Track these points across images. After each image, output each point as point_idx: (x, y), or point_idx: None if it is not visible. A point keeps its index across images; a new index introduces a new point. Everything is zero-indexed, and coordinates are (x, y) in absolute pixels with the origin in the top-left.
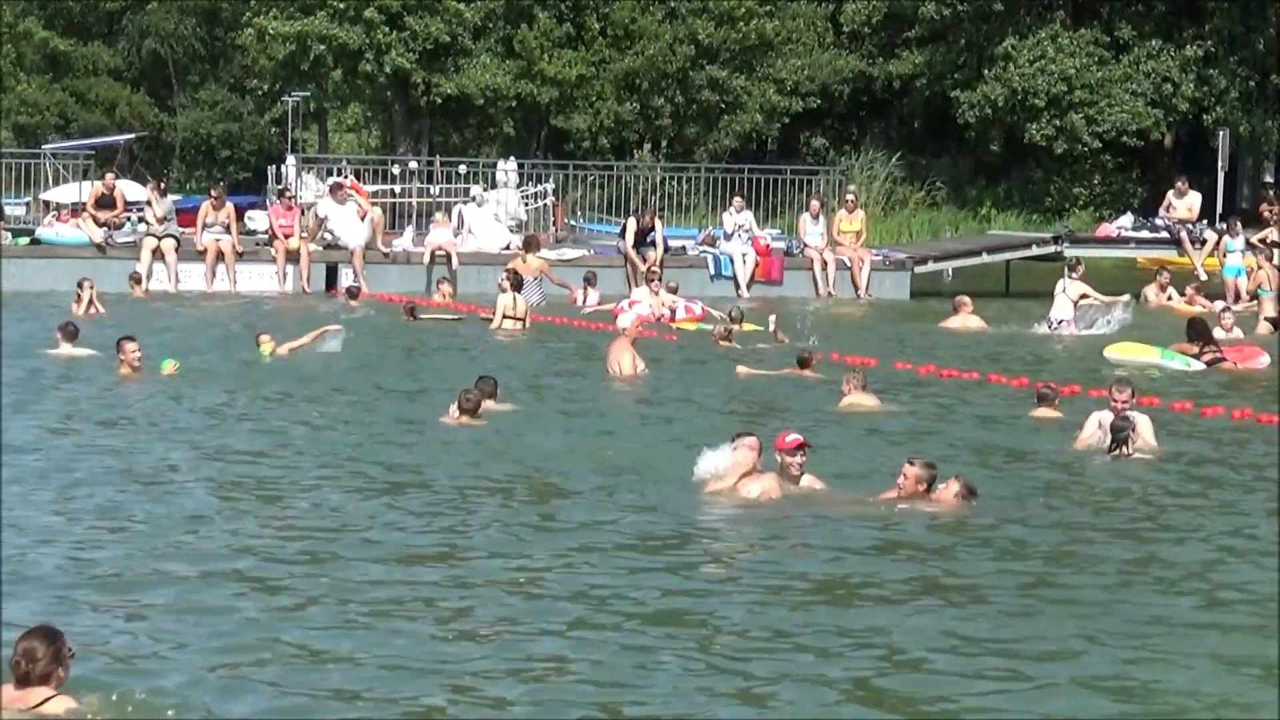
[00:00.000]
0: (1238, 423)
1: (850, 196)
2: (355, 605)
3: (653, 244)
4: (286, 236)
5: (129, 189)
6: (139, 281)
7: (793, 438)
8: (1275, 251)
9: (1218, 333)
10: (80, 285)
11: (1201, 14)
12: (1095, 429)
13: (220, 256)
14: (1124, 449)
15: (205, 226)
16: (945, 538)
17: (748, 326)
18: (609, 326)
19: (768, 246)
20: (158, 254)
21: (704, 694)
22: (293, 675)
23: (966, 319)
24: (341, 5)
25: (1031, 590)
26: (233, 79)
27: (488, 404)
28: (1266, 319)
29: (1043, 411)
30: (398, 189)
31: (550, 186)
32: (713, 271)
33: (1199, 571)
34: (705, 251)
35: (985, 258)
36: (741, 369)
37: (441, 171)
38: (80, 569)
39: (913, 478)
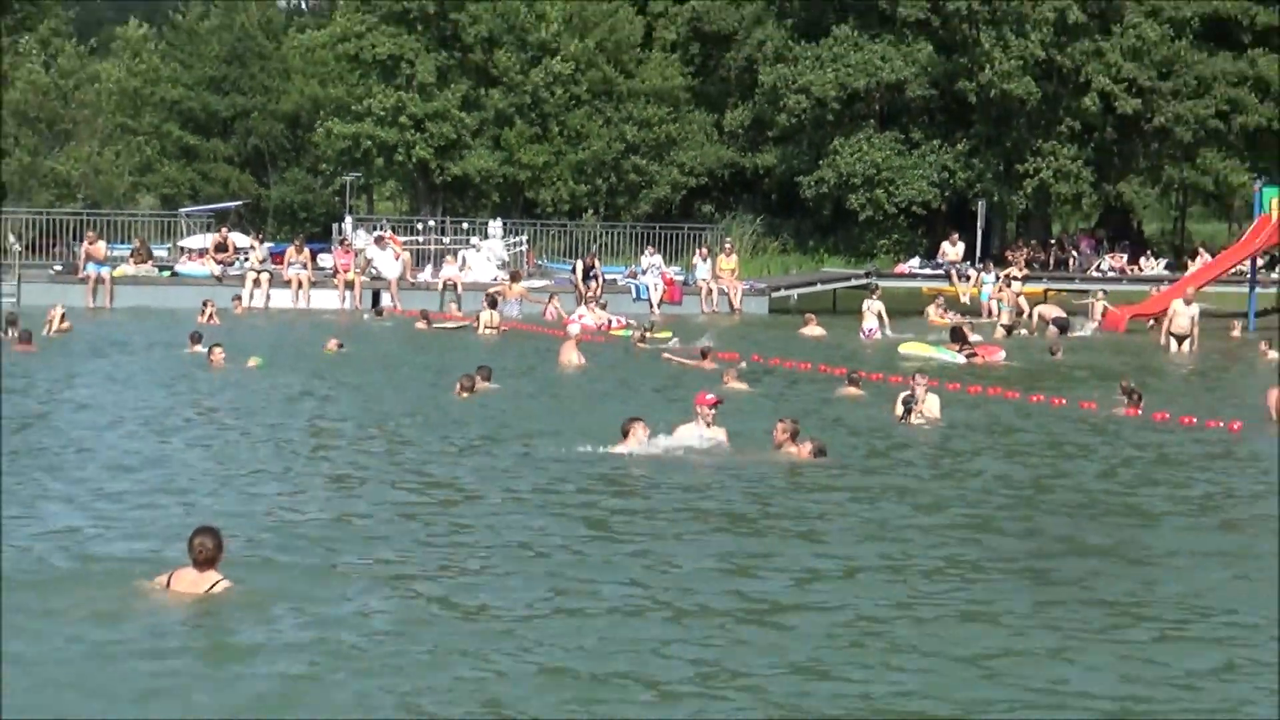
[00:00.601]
0: (990, 397)
1: (728, 245)
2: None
3: (594, 277)
4: (345, 271)
5: (238, 239)
6: (240, 301)
7: (710, 396)
8: (1014, 283)
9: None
10: (204, 304)
11: (968, 121)
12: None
13: (300, 284)
14: (910, 417)
15: (289, 264)
16: (789, 479)
17: (659, 334)
18: (559, 333)
19: (671, 279)
20: (256, 283)
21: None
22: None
23: (813, 329)
24: (382, 114)
25: (828, 515)
26: (309, 164)
27: (481, 384)
28: (1002, 326)
29: (850, 390)
30: (420, 239)
31: (524, 238)
32: (634, 296)
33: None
34: (629, 282)
35: (819, 286)
36: (665, 355)
37: (450, 227)
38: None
39: (780, 430)
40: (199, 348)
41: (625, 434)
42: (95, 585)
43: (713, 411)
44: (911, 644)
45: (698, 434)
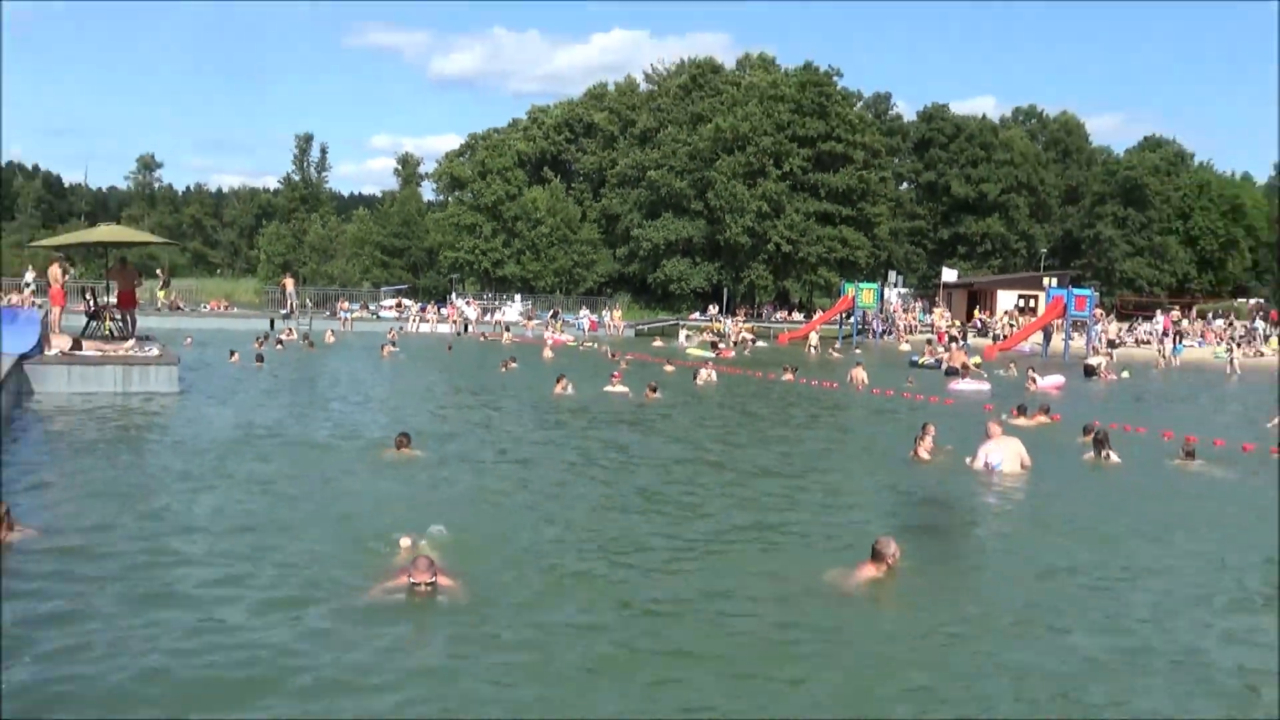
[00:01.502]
0: (722, 374)
1: (617, 306)
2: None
3: (557, 317)
4: (452, 315)
5: (405, 302)
6: (404, 330)
7: (616, 373)
8: (740, 323)
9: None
10: (389, 331)
11: (720, 253)
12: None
13: (430, 321)
14: (698, 380)
15: (427, 314)
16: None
17: (592, 344)
18: (540, 342)
19: (594, 321)
20: (419, 320)
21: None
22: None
23: (658, 343)
24: (467, 250)
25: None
26: (437, 269)
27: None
28: (734, 342)
29: (649, 395)
30: (485, 303)
31: (530, 303)
32: (576, 328)
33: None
34: (576, 320)
35: (656, 323)
36: (629, 356)
37: (496, 297)
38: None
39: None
40: (394, 348)
41: (557, 381)
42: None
43: (620, 378)
44: None
45: (615, 390)
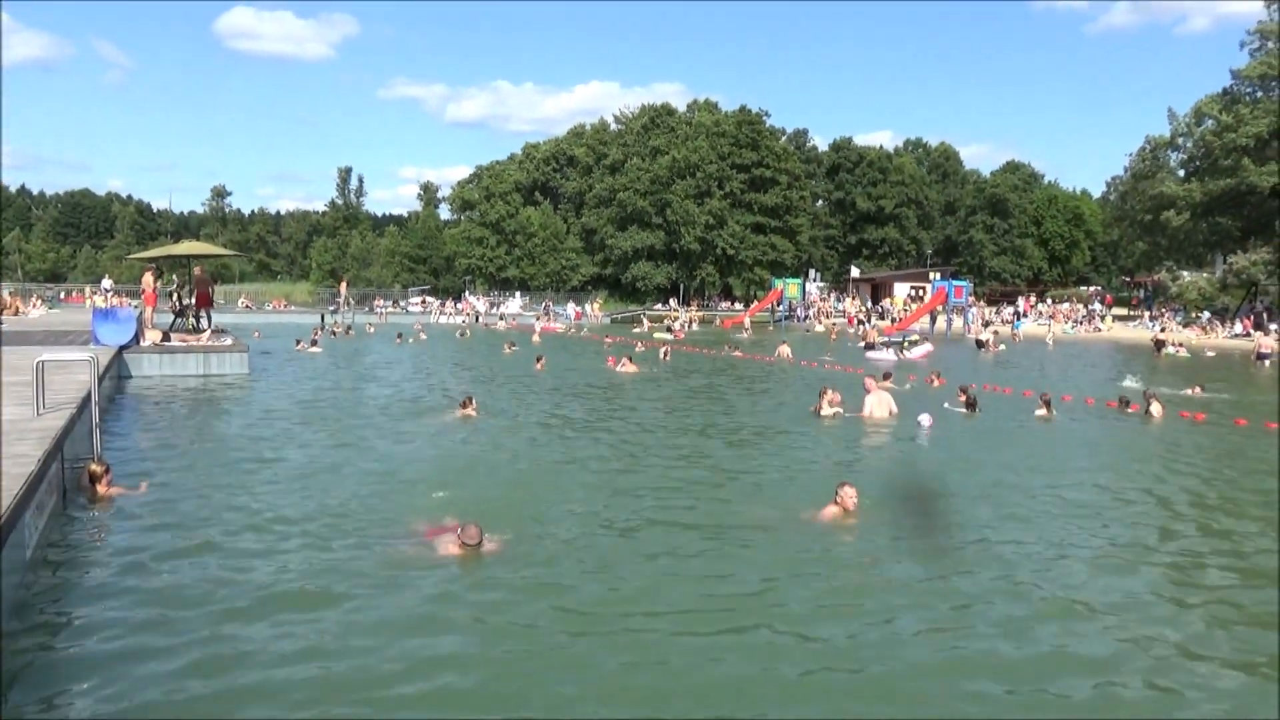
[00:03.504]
0: (675, 351)
1: (598, 299)
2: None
3: (547, 310)
4: (467, 309)
5: (430, 298)
6: (431, 320)
7: (612, 357)
8: (694, 312)
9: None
10: (416, 324)
11: (675, 258)
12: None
13: (448, 313)
14: (662, 357)
15: (446, 307)
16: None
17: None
18: (530, 328)
19: (579, 312)
20: (439, 312)
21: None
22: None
23: (642, 327)
24: (478, 257)
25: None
26: (454, 273)
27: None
28: (685, 327)
29: (627, 367)
30: (494, 298)
31: (528, 297)
32: (569, 317)
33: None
34: (565, 312)
35: (627, 313)
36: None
37: (500, 294)
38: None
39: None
40: (424, 335)
41: (536, 360)
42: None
43: (629, 360)
44: None
45: (615, 369)
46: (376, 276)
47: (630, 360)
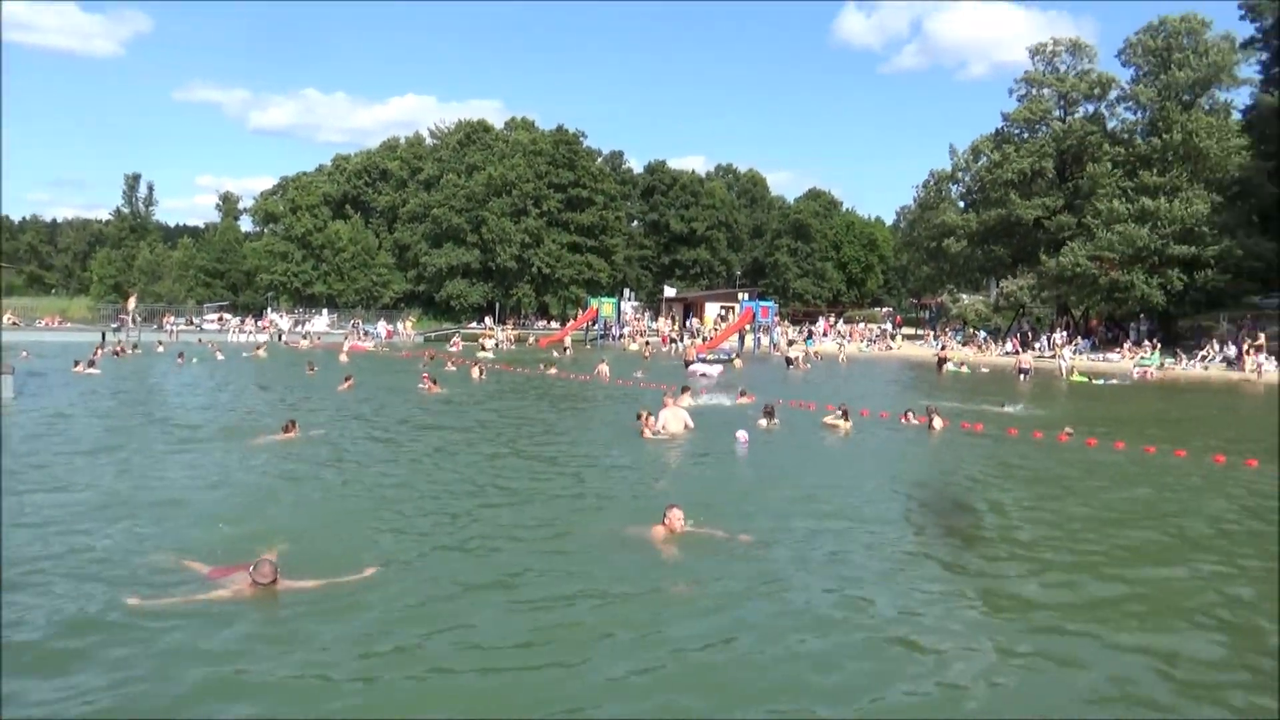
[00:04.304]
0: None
1: (410, 318)
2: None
3: (357, 330)
4: (267, 327)
5: (227, 316)
6: (233, 337)
7: (427, 377)
8: (508, 331)
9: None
10: (211, 343)
11: (491, 278)
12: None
13: (246, 331)
14: (478, 362)
15: (247, 326)
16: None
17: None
18: (338, 347)
19: (389, 331)
20: (239, 330)
21: None
22: None
23: (450, 345)
24: (280, 273)
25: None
26: (254, 289)
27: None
28: (499, 346)
29: (428, 386)
30: (297, 317)
31: (336, 315)
32: (374, 335)
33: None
34: (375, 330)
35: (441, 331)
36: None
37: (304, 313)
38: None
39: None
40: (220, 355)
41: (345, 380)
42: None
43: (433, 383)
44: None
45: (428, 390)
46: (168, 291)
47: (435, 383)
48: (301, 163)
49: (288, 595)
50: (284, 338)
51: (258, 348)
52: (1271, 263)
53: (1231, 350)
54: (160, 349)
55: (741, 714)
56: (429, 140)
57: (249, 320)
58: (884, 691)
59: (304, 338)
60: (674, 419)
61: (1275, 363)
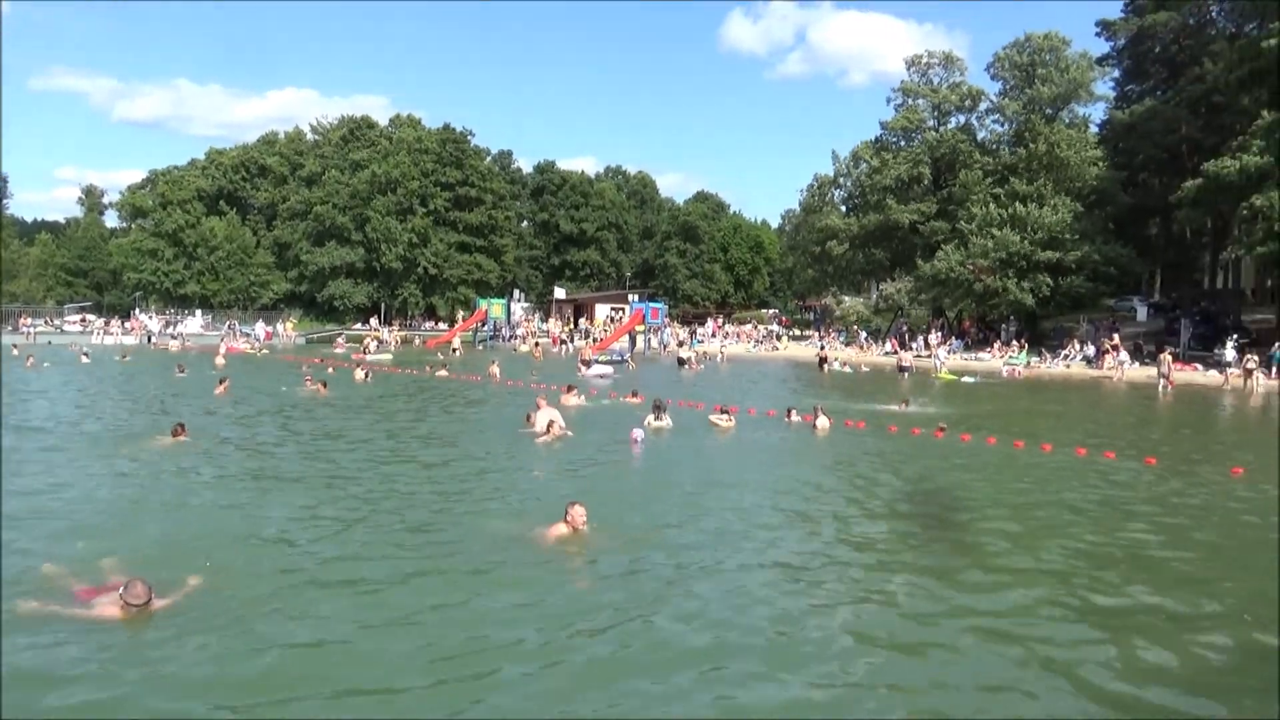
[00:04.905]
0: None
1: (292, 318)
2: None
3: (234, 331)
4: (136, 329)
5: (90, 317)
6: (104, 336)
7: (307, 373)
8: (395, 331)
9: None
10: (82, 349)
11: (374, 279)
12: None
13: (113, 333)
14: (363, 360)
15: (112, 327)
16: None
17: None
18: (213, 349)
19: (268, 333)
20: (105, 332)
21: None
22: None
23: (336, 349)
24: (151, 268)
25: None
26: (121, 288)
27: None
28: (385, 345)
29: (313, 388)
30: (167, 317)
31: (211, 317)
32: (251, 337)
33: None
34: (251, 330)
35: (325, 333)
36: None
37: (176, 312)
38: None
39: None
40: (85, 358)
41: (220, 383)
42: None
43: (322, 385)
44: None
45: (311, 392)
46: (25, 291)
47: (325, 385)
48: (173, 156)
49: (163, 617)
50: (153, 340)
51: (122, 354)
52: (1126, 267)
53: (1091, 349)
54: (15, 352)
55: (649, 714)
56: (310, 136)
57: (115, 322)
58: (778, 690)
59: (174, 339)
60: (543, 419)
61: (1131, 361)
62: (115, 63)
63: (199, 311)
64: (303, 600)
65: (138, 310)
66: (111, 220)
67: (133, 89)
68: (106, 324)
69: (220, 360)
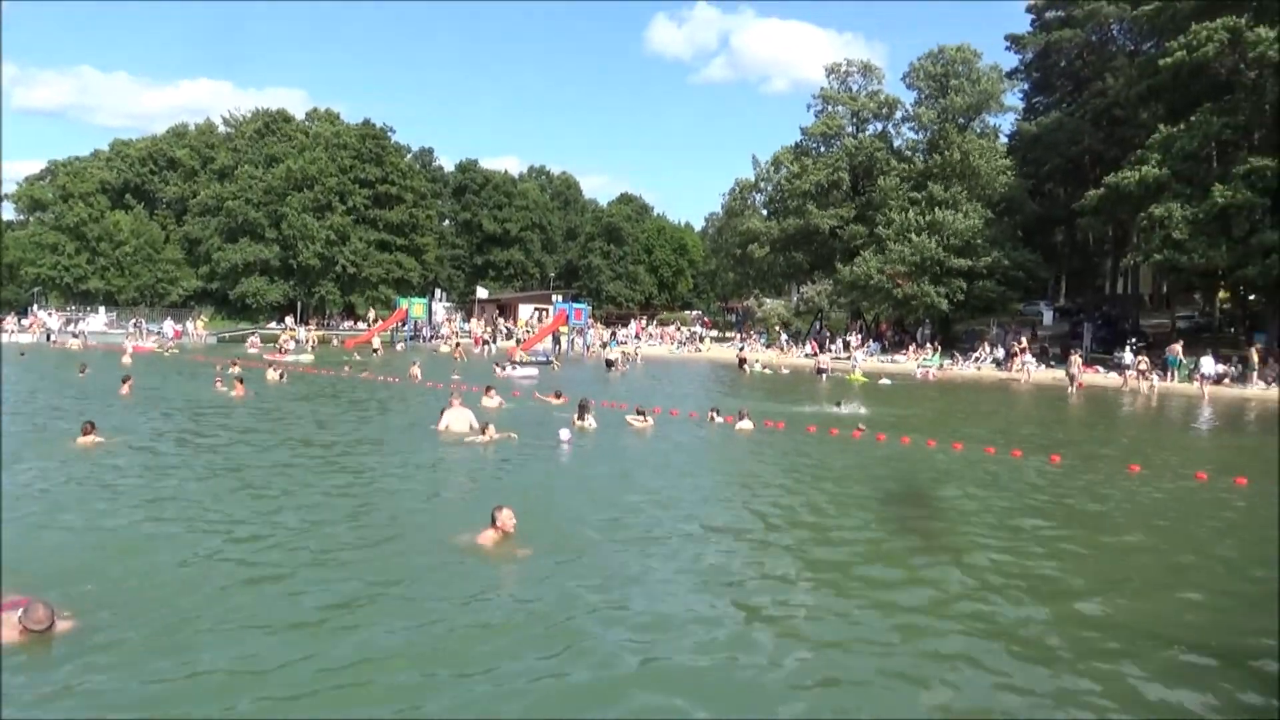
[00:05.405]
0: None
1: (204, 317)
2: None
3: (140, 330)
4: (35, 325)
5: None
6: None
7: (239, 374)
8: (312, 329)
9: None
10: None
11: (290, 279)
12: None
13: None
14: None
15: (9, 325)
16: None
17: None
18: (119, 348)
19: (178, 331)
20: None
21: None
22: None
23: (250, 348)
24: (51, 262)
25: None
26: (18, 283)
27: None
28: (301, 342)
29: (237, 391)
30: (68, 314)
31: (113, 314)
32: (162, 336)
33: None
34: (162, 329)
35: (238, 332)
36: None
37: (81, 310)
38: None
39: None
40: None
41: (123, 382)
42: None
43: (239, 383)
44: None
45: (223, 393)
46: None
47: (241, 384)
48: (75, 146)
49: (66, 642)
50: (53, 338)
51: (21, 352)
52: (1033, 273)
53: (1000, 352)
54: None
55: (592, 714)
56: (223, 128)
57: (11, 319)
58: (706, 688)
59: (75, 337)
60: (458, 419)
61: (1036, 364)
62: (13, 47)
63: (103, 309)
64: (214, 615)
65: (36, 307)
66: (8, 212)
67: (31, 75)
68: (1, 321)
69: (126, 359)
